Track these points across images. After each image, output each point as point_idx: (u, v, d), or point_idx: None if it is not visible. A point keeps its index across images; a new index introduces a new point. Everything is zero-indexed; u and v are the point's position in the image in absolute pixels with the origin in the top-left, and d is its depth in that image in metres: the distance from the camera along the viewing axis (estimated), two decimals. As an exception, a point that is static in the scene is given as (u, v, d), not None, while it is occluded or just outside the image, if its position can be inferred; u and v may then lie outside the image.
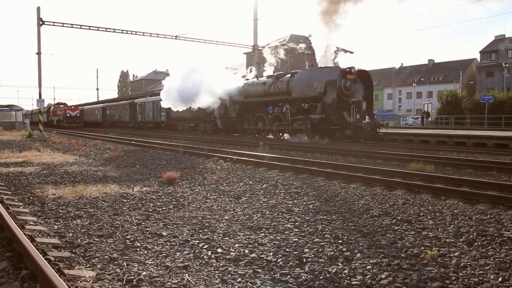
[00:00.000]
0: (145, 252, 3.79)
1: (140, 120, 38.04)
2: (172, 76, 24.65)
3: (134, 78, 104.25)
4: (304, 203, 5.83)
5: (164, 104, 25.72)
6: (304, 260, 3.57)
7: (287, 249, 3.84)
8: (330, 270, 3.33)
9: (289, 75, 20.22)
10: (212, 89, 22.83)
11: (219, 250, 3.83)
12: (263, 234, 4.34)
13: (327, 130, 17.27)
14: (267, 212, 5.29)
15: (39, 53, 23.31)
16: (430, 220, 4.87)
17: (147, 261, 3.54)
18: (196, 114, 25.99)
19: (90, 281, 3.11)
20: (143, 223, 4.78)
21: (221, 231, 4.43)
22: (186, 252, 3.79)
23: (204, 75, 22.45)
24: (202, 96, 22.90)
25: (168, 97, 24.32)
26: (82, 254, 3.69)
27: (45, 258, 3.28)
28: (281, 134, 21.52)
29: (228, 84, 23.26)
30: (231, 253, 3.73)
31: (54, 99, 71.33)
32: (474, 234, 4.28)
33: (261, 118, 22.08)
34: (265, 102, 21.41)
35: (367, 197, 6.19)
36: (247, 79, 23.75)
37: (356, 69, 17.92)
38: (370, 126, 16.97)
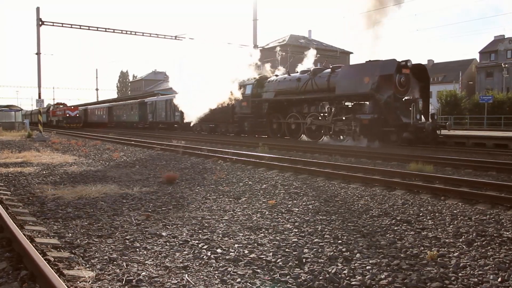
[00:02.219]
0: (145, 252, 3.79)
1: (151, 121, 35.71)
2: (183, 75, 22.10)
3: (134, 78, 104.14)
4: (304, 203, 5.83)
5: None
6: (304, 260, 3.57)
7: (287, 250, 3.84)
8: (329, 271, 3.33)
9: (328, 70, 18.10)
10: (235, 85, 21.08)
11: (219, 250, 3.83)
12: (262, 235, 4.34)
13: (379, 132, 15.22)
14: (267, 213, 5.29)
15: (38, 53, 23.29)
16: (429, 220, 4.87)
17: (146, 262, 3.54)
18: (216, 114, 23.33)
19: (89, 281, 3.11)
20: (142, 223, 4.78)
21: (220, 232, 4.43)
22: (186, 252, 3.79)
23: (224, 67, 20.40)
24: (222, 92, 20.96)
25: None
26: (82, 255, 3.69)
27: (44, 259, 3.27)
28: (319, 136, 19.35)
29: (254, 79, 21.65)
30: (231, 254, 3.73)
31: (53, 99, 71.32)
32: (474, 234, 4.28)
33: (294, 118, 19.89)
34: (300, 100, 19.26)
35: (366, 197, 6.19)
36: (276, 75, 21.68)
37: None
38: (432, 127, 15.04)
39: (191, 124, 26.91)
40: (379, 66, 15.70)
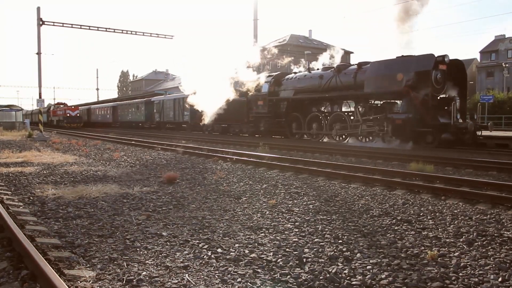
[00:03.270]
0: (145, 252, 3.79)
1: (158, 120, 34.48)
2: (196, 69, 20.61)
3: (134, 78, 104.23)
4: (304, 203, 5.83)
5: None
6: (304, 260, 3.57)
7: (287, 249, 3.84)
8: (330, 270, 3.33)
9: (355, 66, 16.94)
10: (249, 83, 20.36)
11: (219, 250, 3.83)
12: (263, 234, 4.34)
13: (413, 133, 14.03)
14: (267, 212, 5.29)
15: (39, 53, 23.31)
16: (430, 220, 4.87)
17: (147, 261, 3.54)
18: (229, 114, 22.20)
19: (90, 281, 3.11)
20: (143, 223, 4.78)
21: (221, 231, 4.43)
22: (186, 252, 3.79)
23: (236, 64, 19.66)
24: (235, 91, 20.15)
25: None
26: (82, 254, 3.69)
27: (45, 258, 3.28)
28: (343, 137, 17.88)
29: (270, 77, 20.76)
30: (231, 253, 3.73)
31: (54, 99, 71.28)
32: (474, 234, 4.28)
33: (315, 118, 18.64)
34: (323, 99, 18.30)
35: (367, 197, 6.19)
36: (295, 72, 20.54)
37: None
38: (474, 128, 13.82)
39: (202, 124, 25.56)
40: (415, 61, 14.49)
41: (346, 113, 17.53)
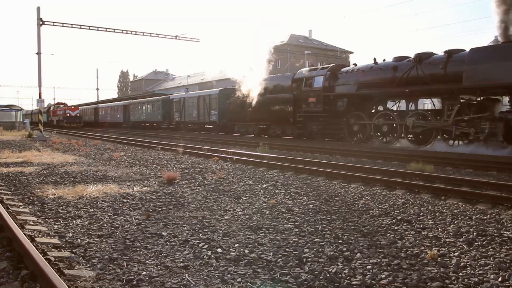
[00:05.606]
0: (145, 252, 3.79)
1: (177, 120, 30.77)
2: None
3: (134, 78, 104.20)
4: (304, 203, 5.83)
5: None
6: (304, 260, 3.57)
7: (287, 249, 3.84)
8: (330, 270, 3.33)
9: (441, 55, 13.86)
10: (296, 77, 18.52)
11: (219, 250, 3.83)
12: (263, 234, 4.34)
13: None
14: (267, 212, 5.29)
15: (39, 53, 23.30)
16: (430, 220, 4.87)
17: (147, 261, 3.54)
18: (269, 113, 19.79)
19: (90, 281, 3.11)
20: (143, 223, 4.78)
21: (221, 231, 4.43)
22: (186, 252, 3.79)
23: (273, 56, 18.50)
24: (278, 86, 18.51)
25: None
26: (82, 254, 3.69)
27: (45, 258, 3.28)
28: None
29: (324, 69, 18.13)
30: (231, 253, 3.73)
31: (54, 99, 71.21)
32: (474, 234, 4.28)
33: (384, 118, 15.59)
34: (399, 95, 15.29)
35: (367, 197, 6.19)
36: (355, 64, 17.70)
37: None
38: None
39: (233, 125, 23.52)
40: None
41: (429, 112, 14.84)
